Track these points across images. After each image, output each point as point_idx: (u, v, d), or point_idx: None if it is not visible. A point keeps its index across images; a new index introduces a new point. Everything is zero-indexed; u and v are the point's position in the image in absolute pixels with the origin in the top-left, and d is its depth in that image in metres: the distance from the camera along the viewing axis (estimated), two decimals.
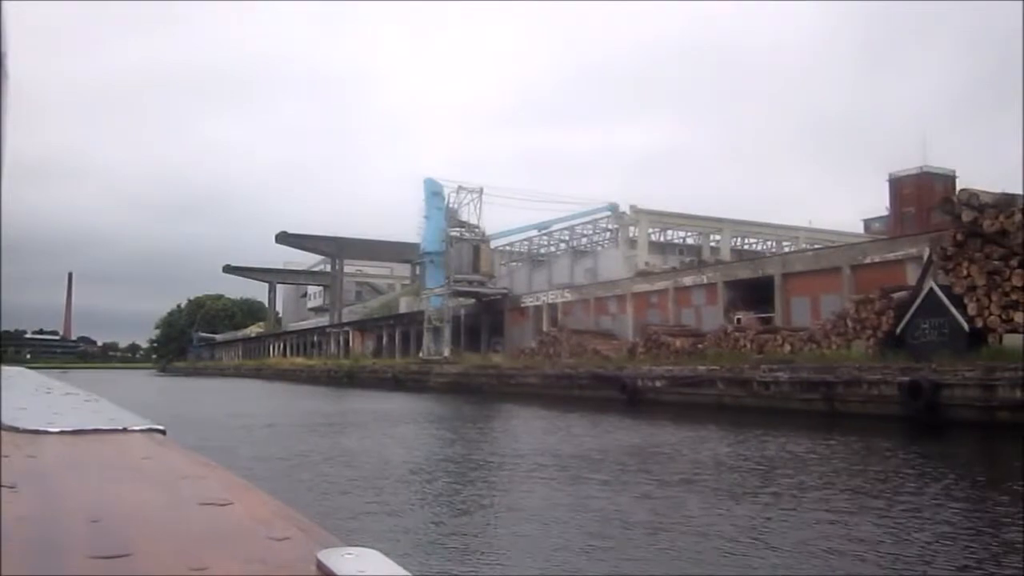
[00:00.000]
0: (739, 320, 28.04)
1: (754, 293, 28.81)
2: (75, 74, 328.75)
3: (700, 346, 26.64)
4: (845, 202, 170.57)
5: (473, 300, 46.20)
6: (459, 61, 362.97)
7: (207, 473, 1.03)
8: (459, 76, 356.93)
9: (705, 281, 31.08)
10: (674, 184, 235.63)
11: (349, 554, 0.63)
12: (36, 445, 1.15)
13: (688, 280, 32.01)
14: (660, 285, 33.13)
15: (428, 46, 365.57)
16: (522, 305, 43.11)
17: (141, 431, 1.31)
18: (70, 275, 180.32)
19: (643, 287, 34.29)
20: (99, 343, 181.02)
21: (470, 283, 44.74)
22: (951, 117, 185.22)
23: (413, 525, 7.00)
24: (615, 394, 25.41)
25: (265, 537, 0.73)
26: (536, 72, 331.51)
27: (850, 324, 21.39)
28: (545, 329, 38.23)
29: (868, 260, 24.34)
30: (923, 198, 76.36)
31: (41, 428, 1.24)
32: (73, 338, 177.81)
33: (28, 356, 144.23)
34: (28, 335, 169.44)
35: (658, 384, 24.92)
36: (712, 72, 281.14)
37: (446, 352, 43.46)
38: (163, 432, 1.32)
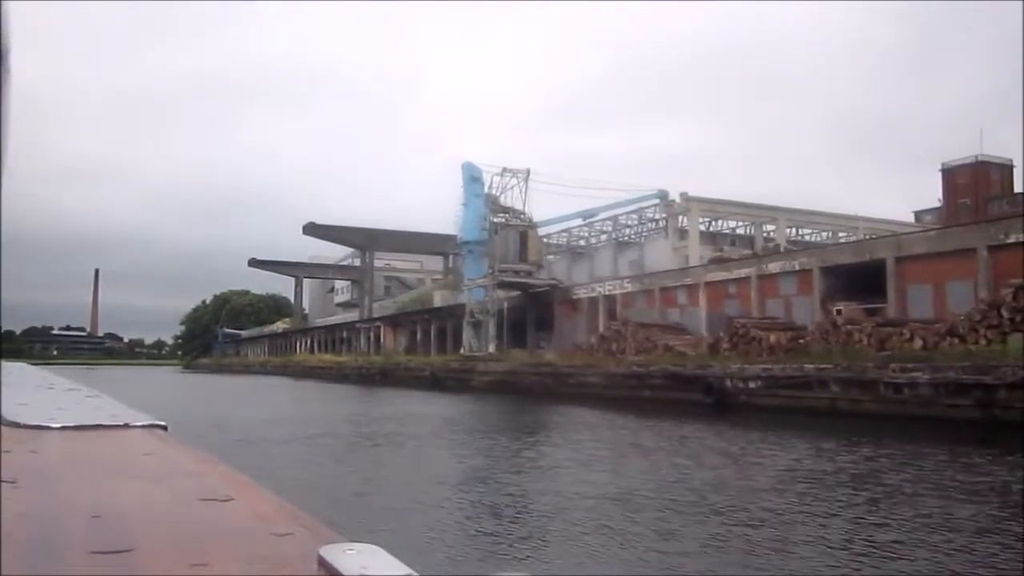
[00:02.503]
0: (839, 311, 24.47)
1: (857, 280, 25.25)
2: (110, 79, 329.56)
3: (801, 341, 23.20)
4: (877, 198, 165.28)
5: (518, 292, 42.92)
6: (493, 62, 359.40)
7: (208, 469, 1.03)
8: (493, 77, 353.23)
9: (797, 268, 27.52)
10: (705, 184, 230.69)
11: (351, 550, 0.63)
12: (38, 441, 1.15)
13: (775, 267, 28.43)
14: (740, 273, 29.61)
15: (463, 48, 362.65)
16: (574, 297, 39.69)
17: (142, 427, 1.30)
18: (96, 272, 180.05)
19: (719, 275, 30.77)
20: (125, 339, 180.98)
21: (516, 273, 41.42)
22: (986, 113, 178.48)
23: None
24: (696, 396, 22.45)
25: (267, 533, 0.73)
26: (568, 73, 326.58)
27: (1006, 314, 17.94)
28: (602, 323, 34.86)
29: (1013, 239, 20.72)
30: (980, 188, 72.12)
31: (43, 424, 1.24)
32: (99, 334, 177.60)
33: (55, 352, 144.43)
34: (55, 331, 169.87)
35: (752, 385, 21.82)
36: (742, 72, 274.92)
37: (491, 348, 40.34)
38: (164, 428, 1.30)
